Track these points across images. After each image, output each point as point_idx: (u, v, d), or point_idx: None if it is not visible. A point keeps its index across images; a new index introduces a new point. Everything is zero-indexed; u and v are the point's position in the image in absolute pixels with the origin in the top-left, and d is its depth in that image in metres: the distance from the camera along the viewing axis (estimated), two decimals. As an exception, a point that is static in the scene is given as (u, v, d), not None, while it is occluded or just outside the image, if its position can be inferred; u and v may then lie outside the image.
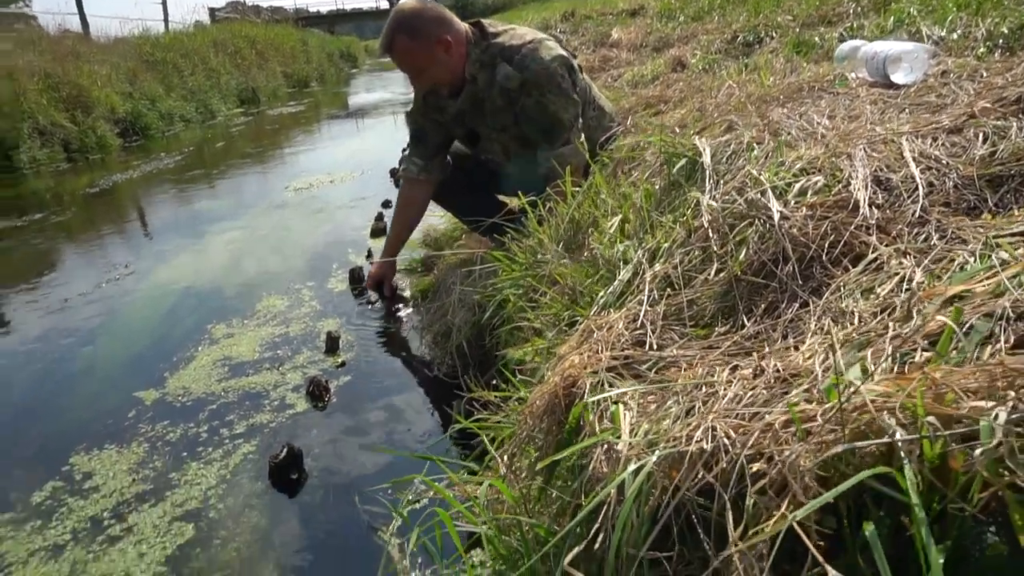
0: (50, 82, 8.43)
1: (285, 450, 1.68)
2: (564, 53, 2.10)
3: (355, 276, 2.91)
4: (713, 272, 0.95)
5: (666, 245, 1.07)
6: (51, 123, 8.13)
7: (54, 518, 1.63)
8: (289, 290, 2.93)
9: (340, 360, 2.27)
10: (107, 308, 2.97)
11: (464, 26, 2.10)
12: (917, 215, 0.89)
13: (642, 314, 0.92)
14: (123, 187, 6.08)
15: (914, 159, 0.99)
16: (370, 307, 2.61)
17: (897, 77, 1.71)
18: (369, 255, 3.28)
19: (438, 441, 1.74)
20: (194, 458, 1.80)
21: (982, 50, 1.85)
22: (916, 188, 0.93)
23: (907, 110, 1.34)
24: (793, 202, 0.94)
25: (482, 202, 2.43)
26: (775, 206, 0.92)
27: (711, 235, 0.98)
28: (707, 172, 1.20)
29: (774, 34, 3.48)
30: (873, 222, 0.88)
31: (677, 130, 1.87)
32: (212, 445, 1.85)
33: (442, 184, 2.45)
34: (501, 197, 2.42)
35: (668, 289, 0.99)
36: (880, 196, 0.94)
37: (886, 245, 0.86)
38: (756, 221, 0.94)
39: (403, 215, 2.47)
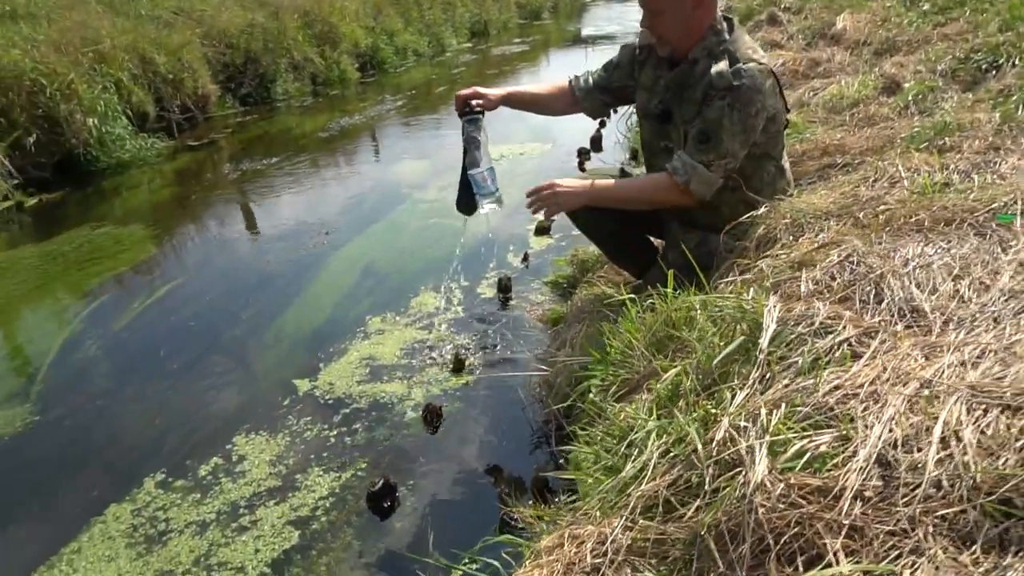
0: (307, 19, 9.39)
1: (381, 482, 1.94)
2: (773, 105, 2.00)
3: (503, 285, 3.10)
4: (692, 511, 0.98)
5: (677, 452, 1.09)
6: (304, 58, 9.11)
7: (209, 495, 2.05)
8: (444, 288, 3.19)
9: (464, 381, 2.49)
10: (298, 279, 3.46)
11: (717, 10, 2.07)
12: (902, 524, 0.84)
13: (609, 541, 0.98)
14: (349, 133, 6.76)
15: (941, 440, 0.91)
16: (506, 330, 2.78)
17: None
18: (526, 258, 3.43)
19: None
20: (318, 463, 2.14)
21: None
22: (920, 484, 0.87)
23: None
24: (779, 469, 0.93)
25: (626, 237, 2.46)
26: (758, 471, 0.92)
27: (705, 467, 1.00)
28: (754, 368, 1.18)
29: (1017, 61, 2.96)
30: (846, 523, 0.85)
31: (791, 237, 1.77)
32: (335, 453, 2.18)
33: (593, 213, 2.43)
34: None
35: (655, 509, 1.03)
36: (875, 482, 0.89)
37: (848, 557, 0.83)
38: (741, 475, 0.94)
39: (536, 86, 2.45)
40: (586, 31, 15.54)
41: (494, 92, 2.27)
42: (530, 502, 1.73)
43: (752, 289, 1.47)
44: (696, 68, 2.01)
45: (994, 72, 3.00)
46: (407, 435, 2.24)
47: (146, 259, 4.02)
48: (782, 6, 5.34)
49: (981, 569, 0.79)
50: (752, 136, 1.97)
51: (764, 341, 1.22)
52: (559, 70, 10.22)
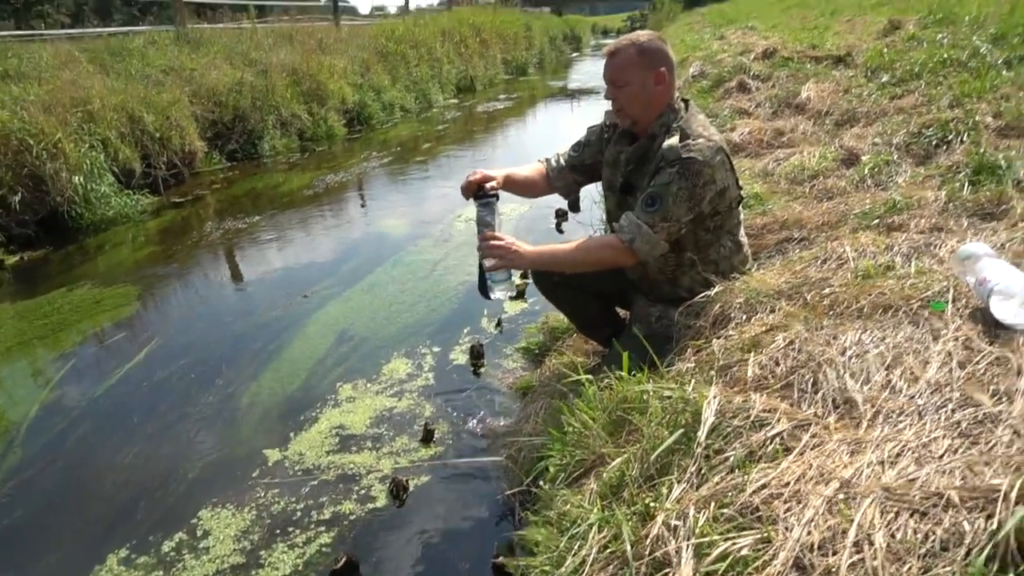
0: (295, 77, 9.60)
1: (344, 560, 1.96)
2: (722, 179, 2.09)
3: (475, 352, 3.15)
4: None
5: (614, 548, 1.13)
6: (291, 115, 9.29)
7: (172, 572, 2.05)
8: (414, 354, 3.24)
9: (432, 452, 2.52)
10: (275, 343, 3.49)
11: (675, 90, 2.18)
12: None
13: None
14: (335, 190, 6.86)
15: (855, 544, 0.96)
16: (476, 400, 2.81)
17: (1000, 312, 1.54)
18: (499, 324, 3.49)
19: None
20: (283, 538, 2.15)
21: None
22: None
23: (939, 411, 1.24)
24: (703, 573, 0.97)
25: (593, 309, 2.53)
26: (682, 573, 0.96)
27: (634, 568, 1.04)
28: (691, 462, 1.23)
29: (965, 138, 3.10)
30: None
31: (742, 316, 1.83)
32: (300, 528, 2.19)
33: (554, 274, 2.49)
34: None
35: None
36: (791, 589, 0.93)
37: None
38: (668, 578, 0.98)
39: (522, 168, 2.47)
40: (572, 85, 15.97)
41: (496, 174, 2.32)
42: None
43: (693, 380, 1.52)
44: (654, 143, 2.12)
45: (944, 147, 3.13)
46: (373, 509, 2.25)
47: (126, 319, 4.05)
48: (752, 74, 5.54)
49: None
50: (698, 206, 2.05)
51: (702, 434, 1.28)
52: (546, 124, 10.51)
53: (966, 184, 2.57)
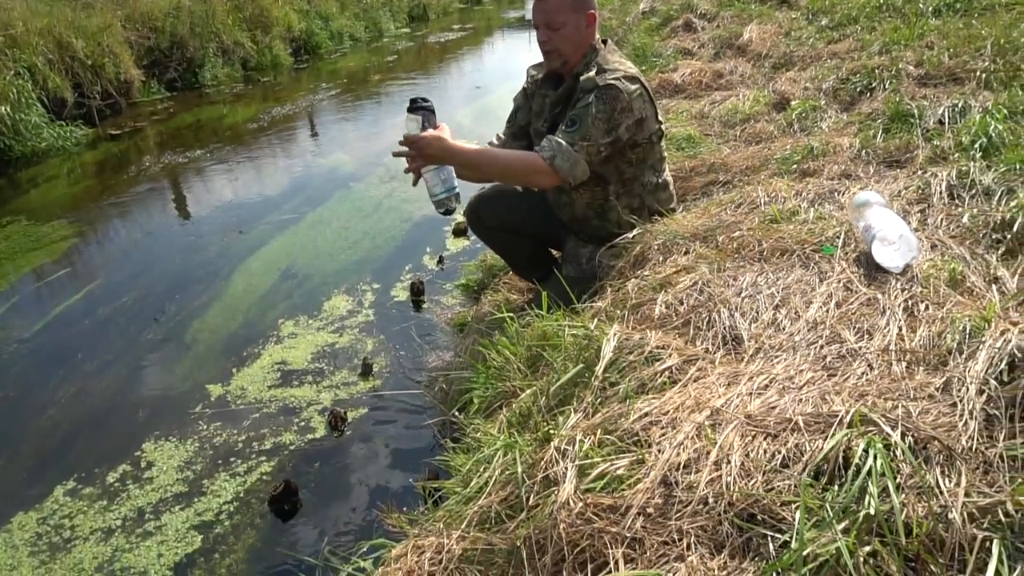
0: (237, 2, 9.21)
1: (283, 486, 2.07)
2: (640, 108, 2.14)
3: (415, 289, 3.23)
4: (514, 525, 1.15)
5: (512, 470, 1.26)
6: (234, 42, 8.97)
7: (116, 502, 2.14)
8: (356, 291, 3.31)
9: (371, 385, 2.62)
10: (218, 280, 3.51)
11: (597, 31, 2.25)
12: (672, 535, 1.03)
13: (444, 550, 1.14)
14: (281, 122, 6.73)
15: (715, 463, 1.10)
16: (414, 335, 2.91)
17: (880, 256, 1.69)
18: (441, 261, 3.57)
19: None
20: (225, 468, 2.25)
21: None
22: (691, 501, 1.06)
23: (814, 336, 1.39)
24: (583, 489, 1.10)
25: (526, 249, 2.62)
26: (564, 491, 1.09)
27: (523, 487, 1.17)
28: (589, 393, 1.35)
29: (888, 85, 3.23)
30: (629, 535, 1.03)
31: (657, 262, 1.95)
32: (242, 458, 2.29)
33: (487, 218, 2.54)
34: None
35: (489, 522, 1.19)
36: (657, 500, 1.07)
37: (627, 564, 1.01)
38: (553, 494, 1.11)
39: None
40: (529, 15, 15.62)
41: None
42: (420, 508, 1.89)
43: (597, 318, 1.64)
44: (578, 82, 2.18)
45: (868, 95, 3.26)
46: (312, 439, 2.36)
47: (64, 255, 4.01)
48: (699, 12, 5.56)
49: (724, 572, 0.98)
50: (615, 131, 2.11)
51: (599, 368, 1.40)
52: (505, 56, 10.33)
53: (879, 132, 2.70)
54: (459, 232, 3.85)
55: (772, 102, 3.52)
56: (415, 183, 2.10)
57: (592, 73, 2.13)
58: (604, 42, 2.27)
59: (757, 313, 1.58)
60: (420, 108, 2.05)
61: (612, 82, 2.09)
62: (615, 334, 1.48)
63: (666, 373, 1.39)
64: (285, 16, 9.92)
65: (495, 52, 11.03)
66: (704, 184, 2.78)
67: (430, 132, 2.02)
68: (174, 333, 3.06)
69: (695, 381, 1.34)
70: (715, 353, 1.47)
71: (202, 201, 4.80)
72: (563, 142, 2.10)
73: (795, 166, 2.59)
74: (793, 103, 3.40)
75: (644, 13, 6.44)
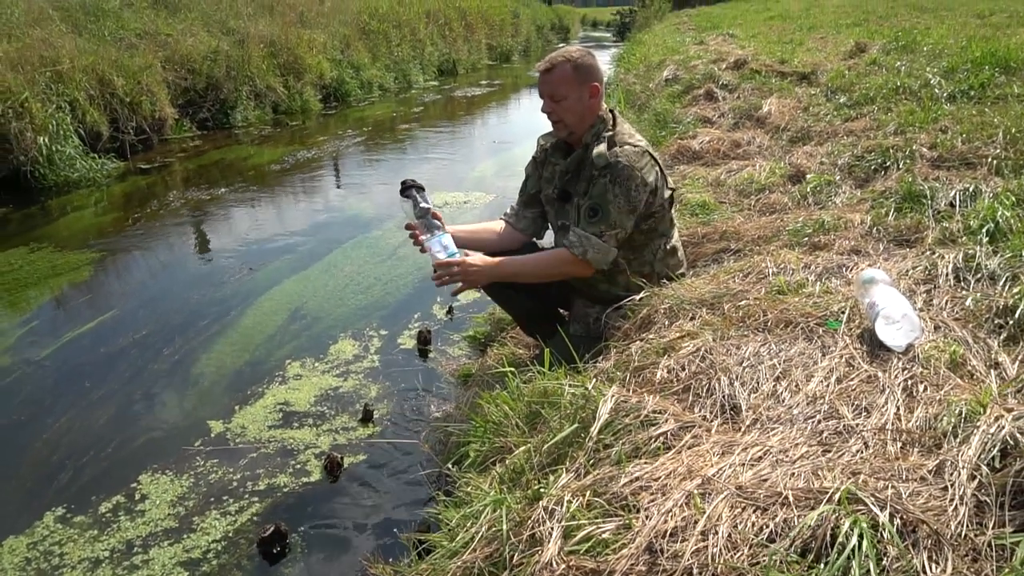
0: (272, 49, 9.56)
1: (272, 529, 2.06)
2: (653, 180, 2.22)
3: (422, 337, 3.26)
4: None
5: (498, 527, 1.26)
6: (266, 87, 9.27)
7: (106, 532, 2.14)
8: (363, 336, 3.34)
9: (369, 432, 2.63)
10: (229, 316, 3.56)
11: (604, 103, 2.35)
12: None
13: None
14: (305, 165, 6.90)
15: (702, 533, 1.09)
16: (418, 384, 2.92)
17: (883, 334, 1.70)
18: (451, 311, 3.60)
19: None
20: (217, 506, 2.25)
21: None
22: (676, 571, 1.05)
23: (812, 412, 1.39)
24: (567, 551, 1.10)
25: (537, 311, 2.65)
26: (549, 552, 1.09)
27: (507, 545, 1.17)
28: (582, 454, 1.36)
29: (902, 165, 3.27)
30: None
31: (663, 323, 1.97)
32: (235, 497, 2.29)
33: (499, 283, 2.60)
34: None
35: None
36: (641, 567, 1.07)
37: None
38: (537, 554, 1.11)
39: (476, 226, 2.60)
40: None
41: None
42: (406, 560, 1.87)
43: (595, 378, 1.65)
44: (588, 152, 2.26)
45: (882, 173, 3.30)
46: (307, 483, 2.36)
47: (84, 283, 4.10)
48: (720, 83, 5.69)
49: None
50: (637, 208, 2.20)
51: (594, 429, 1.41)
52: (530, 111, 10.55)
53: (892, 210, 2.73)
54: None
55: (788, 174, 3.58)
56: (423, 251, 2.20)
57: (603, 147, 2.20)
58: (612, 113, 2.35)
59: (757, 383, 1.59)
60: (408, 189, 2.20)
61: (621, 160, 2.16)
62: (612, 396, 1.49)
63: (661, 438, 1.39)
64: (318, 64, 10.25)
65: (520, 107, 11.29)
66: (715, 251, 2.81)
67: (472, 258, 2.18)
68: (181, 366, 3.10)
69: (689, 448, 1.35)
70: (712, 421, 1.47)
71: (221, 237, 4.90)
72: (591, 236, 2.19)
73: (806, 239, 2.62)
74: (808, 176, 3.45)
75: (667, 80, 6.61)
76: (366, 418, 2.68)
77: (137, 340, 3.33)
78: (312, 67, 10.10)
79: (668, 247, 2.38)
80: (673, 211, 2.39)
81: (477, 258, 2.22)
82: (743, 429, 1.43)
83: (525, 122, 9.72)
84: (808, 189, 3.29)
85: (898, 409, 1.43)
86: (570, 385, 1.68)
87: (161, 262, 4.47)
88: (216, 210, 5.51)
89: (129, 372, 3.05)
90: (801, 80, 5.67)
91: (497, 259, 2.26)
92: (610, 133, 2.25)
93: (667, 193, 2.30)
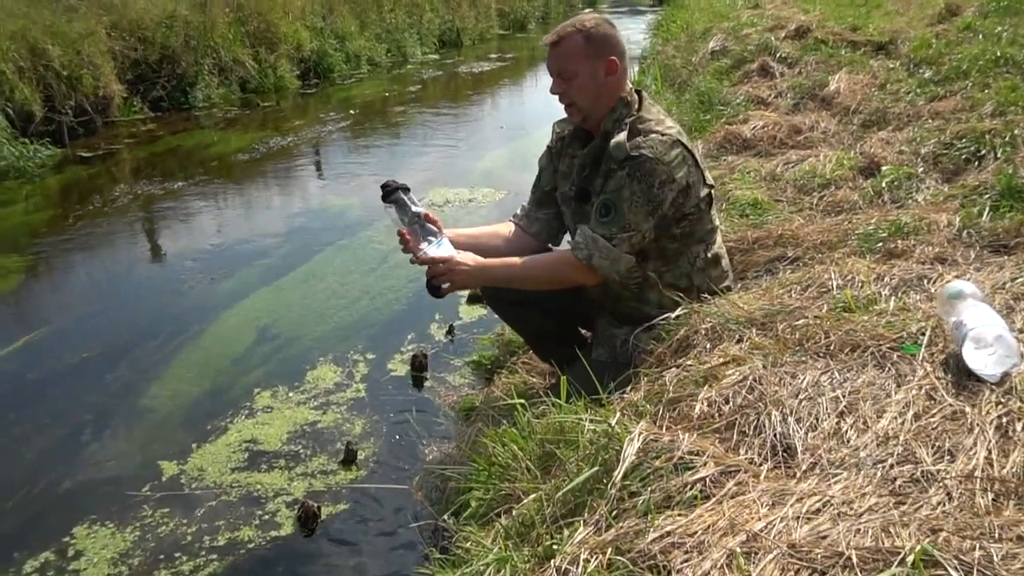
0: (240, 15, 9.69)
1: (234, 592, 2.09)
2: (684, 176, 2.21)
3: (417, 363, 3.28)
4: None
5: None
6: (233, 60, 9.41)
7: (35, 595, 2.17)
8: (346, 360, 3.37)
9: (352, 476, 2.65)
10: (185, 335, 3.61)
11: (628, 83, 2.36)
12: None
13: None
14: (279, 155, 6.99)
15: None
16: (411, 418, 2.94)
17: (972, 360, 1.70)
18: (451, 331, 3.63)
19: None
20: (167, 565, 2.27)
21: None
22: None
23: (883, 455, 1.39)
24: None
25: (551, 329, 2.67)
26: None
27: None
28: (604, 503, 1.37)
29: (1000, 153, 3.27)
30: None
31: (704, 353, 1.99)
32: (189, 554, 2.31)
33: (504, 290, 2.61)
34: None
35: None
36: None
37: None
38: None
39: (480, 230, 2.62)
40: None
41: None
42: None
43: (619, 412, 1.67)
44: (608, 141, 2.26)
45: (976, 163, 3.31)
46: (276, 537, 2.38)
47: (10, 294, 4.16)
48: (778, 56, 5.72)
49: None
50: (659, 209, 2.19)
51: (618, 474, 1.42)
52: (548, 92, 10.62)
53: (986, 209, 2.74)
54: (475, 299, 3.92)
55: (859, 166, 3.59)
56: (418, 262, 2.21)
57: (622, 136, 2.20)
58: (638, 94, 2.34)
59: (816, 420, 1.60)
60: (393, 193, 2.20)
61: (645, 152, 2.16)
62: (640, 434, 1.50)
63: (698, 485, 1.40)
64: (295, 33, 10.39)
65: (538, 86, 11.34)
66: (769, 259, 2.82)
67: (463, 255, 2.19)
68: (128, 395, 3.14)
69: (732, 497, 1.35)
70: (761, 465, 1.48)
71: (178, 240, 4.97)
72: (599, 237, 2.19)
73: (880, 244, 2.63)
74: (884, 169, 3.46)
75: (713, 53, 6.64)
76: (348, 459, 2.70)
77: (74, 363, 3.38)
78: (288, 36, 10.23)
79: (709, 255, 2.39)
80: (713, 212, 2.39)
81: (468, 257, 2.22)
82: (798, 475, 1.44)
83: (543, 104, 9.75)
84: (883, 184, 3.29)
85: (989, 453, 1.43)
86: (591, 420, 1.69)
87: (104, 269, 4.54)
88: (172, 207, 5.58)
89: (64, 402, 3.10)
90: (877, 51, 5.69)
91: (489, 262, 2.26)
92: (632, 118, 2.25)
93: (704, 191, 2.29)
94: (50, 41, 6.96)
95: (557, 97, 2.30)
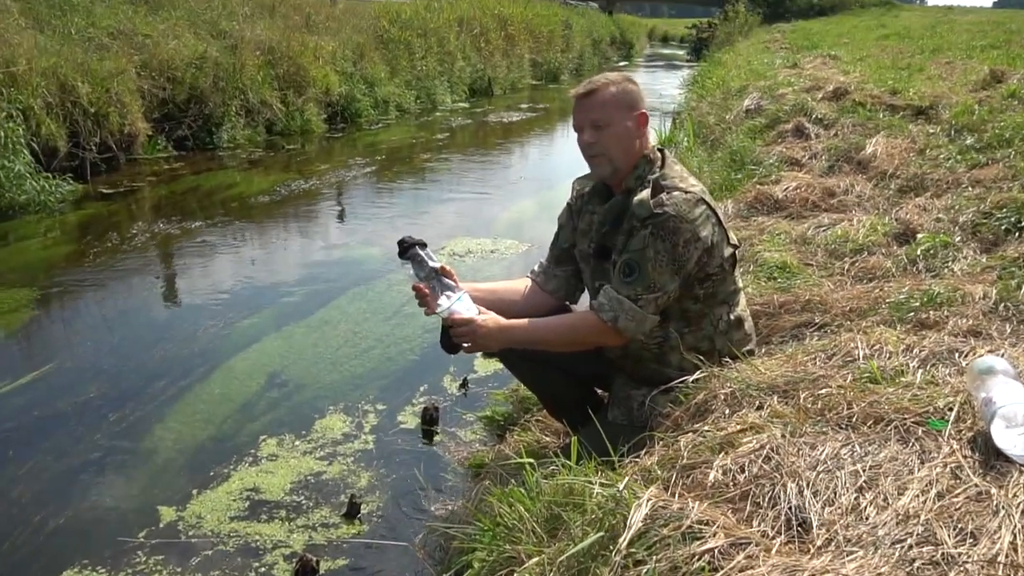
0: (270, 57, 9.95)
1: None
2: (708, 235, 2.24)
3: (428, 416, 3.30)
4: None
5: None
6: (260, 102, 9.64)
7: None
8: (356, 410, 3.39)
9: (355, 530, 2.65)
10: (192, 378, 3.65)
11: (651, 140, 2.43)
12: None
13: None
14: (302, 199, 7.12)
15: None
16: (419, 473, 2.95)
17: (1001, 439, 1.69)
18: (465, 384, 3.64)
19: None
20: (159, 615, 2.28)
21: None
22: None
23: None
24: None
25: (565, 388, 2.68)
26: None
27: None
28: (608, 572, 1.37)
29: (1042, 226, 3.28)
30: None
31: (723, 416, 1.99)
32: (181, 604, 2.32)
33: (519, 352, 2.63)
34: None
35: None
36: None
37: None
38: None
39: (499, 285, 2.66)
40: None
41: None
42: None
43: (627, 477, 1.67)
44: (630, 198, 2.30)
45: (1016, 235, 3.30)
46: (272, 591, 2.38)
47: (19, 329, 4.25)
48: (813, 117, 5.78)
49: None
50: (685, 268, 2.23)
51: (623, 541, 1.42)
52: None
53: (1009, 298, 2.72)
54: (491, 352, 3.94)
55: (893, 232, 3.60)
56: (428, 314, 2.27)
57: (645, 193, 2.24)
58: (661, 152, 2.40)
59: (835, 494, 1.59)
60: (410, 248, 2.29)
61: (668, 210, 2.19)
62: (649, 499, 1.50)
63: (706, 556, 1.39)
64: (324, 77, 10.64)
65: (568, 138, 11.45)
66: (795, 325, 2.83)
67: (485, 317, 2.23)
68: (130, 437, 3.18)
69: (741, 571, 1.35)
70: (773, 538, 1.47)
71: (193, 281, 5.05)
72: (624, 299, 2.22)
73: (911, 314, 2.63)
74: (920, 236, 3.46)
75: (748, 111, 6.73)
76: (351, 512, 2.71)
77: (80, 402, 3.43)
78: (317, 80, 10.49)
79: (732, 317, 2.40)
80: (737, 274, 2.42)
81: (490, 319, 2.26)
82: (812, 551, 1.43)
83: (572, 156, 9.89)
84: (918, 252, 3.30)
85: (1015, 537, 1.41)
86: (600, 484, 1.69)
87: (117, 308, 4.61)
88: (189, 248, 5.69)
89: (67, 440, 3.13)
90: (917, 116, 5.73)
91: (510, 321, 2.30)
92: (655, 175, 2.30)
93: (728, 251, 2.33)
94: (80, 78, 7.18)
95: (585, 149, 2.34)
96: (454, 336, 2.24)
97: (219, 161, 8.51)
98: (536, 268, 2.64)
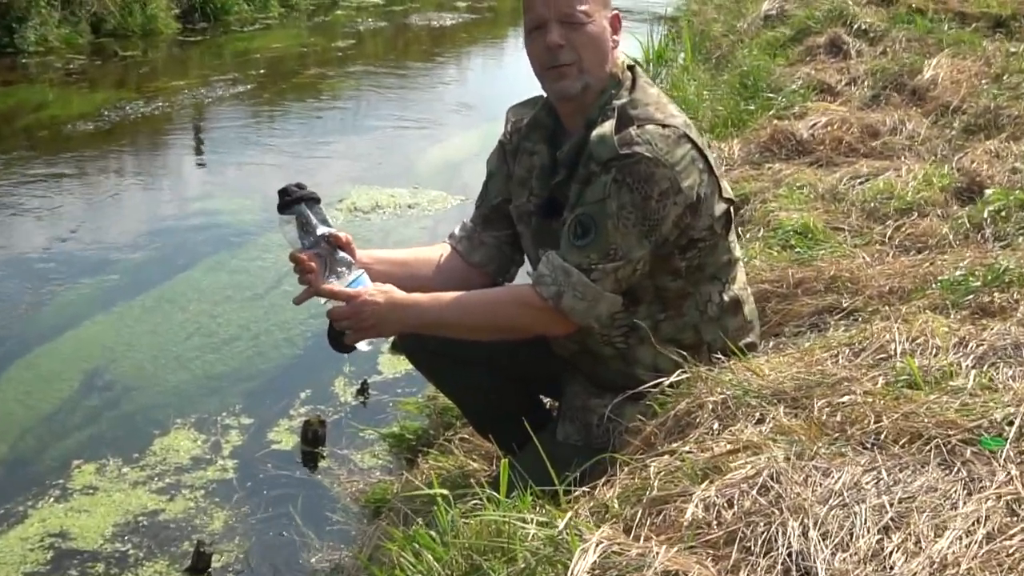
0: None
1: None
2: (693, 184, 2.21)
3: (310, 433, 3.29)
4: None
5: None
6: (84, -11, 9.44)
7: None
8: (211, 424, 3.38)
9: (202, 590, 2.66)
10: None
11: (619, 56, 2.38)
12: None
13: None
14: (138, 126, 7.00)
15: None
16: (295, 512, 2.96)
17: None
18: (364, 389, 3.65)
19: None
20: None
21: None
22: None
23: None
24: None
25: (498, 396, 2.68)
26: None
27: None
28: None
29: None
30: None
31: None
32: None
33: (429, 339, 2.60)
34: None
35: None
36: None
37: None
38: None
39: (411, 253, 2.65)
40: None
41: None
42: None
43: (570, 514, 1.70)
44: (591, 133, 2.26)
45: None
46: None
47: None
48: (856, 27, 5.85)
49: None
50: (658, 229, 2.18)
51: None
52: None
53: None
54: (398, 346, 3.95)
55: (954, 186, 3.67)
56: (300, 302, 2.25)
57: (608, 126, 2.19)
58: (632, 70, 2.35)
59: (850, 535, 1.63)
60: (295, 203, 2.18)
61: (640, 151, 2.14)
62: (598, 543, 1.53)
63: (672, 621, 1.43)
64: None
65: (520, 52, 11.48)
66: (815, 310, 2.88)
67: (373, 289, 2.18)
68: None
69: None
70: (765, 597, 1.51)
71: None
72: (572, 268, 2.16)
73: (969, 297, 2.69)
74: (989, 192, 3.54)
75: (768, 18, 6.77)
76: (199, 567, 2.71)
77: None
78: (167, -40, 10.31)
79: (726, 299, 2.41)
80: (733, 239, 2.42)
81: (379, 291, 2.20)
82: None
83: (525, 78, 9.88)
84: (985, 213, 3.37)
85: (1082, 591, 1.47)
86: (536, 523, 1.72)
87: None
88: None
89: None
90: (994, 29, 5.82)
91: (410, 295, 2.24)
92: (623, 101, 2.26)
93: (721, 208, 2.31)
94: None
95: (543, 58, 2.27)
96: (333, 319, 2.20)
97: (22, 71, 8.33)
98: (457, 231, 2.55)
